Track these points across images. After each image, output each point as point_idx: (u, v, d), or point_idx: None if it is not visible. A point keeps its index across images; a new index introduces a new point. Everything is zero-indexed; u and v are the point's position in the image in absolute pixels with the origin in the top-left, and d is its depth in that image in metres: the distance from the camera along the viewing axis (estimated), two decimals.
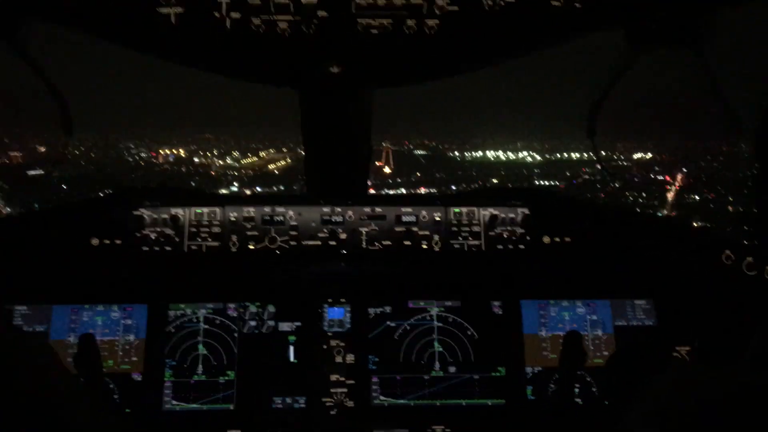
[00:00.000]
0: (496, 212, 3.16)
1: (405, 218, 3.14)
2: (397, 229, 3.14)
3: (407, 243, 3.12)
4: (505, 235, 3.14)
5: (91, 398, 1.72)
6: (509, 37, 2.54)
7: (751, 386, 1.11)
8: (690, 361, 2.94)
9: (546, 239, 3.12)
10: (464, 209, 3.17)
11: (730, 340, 2.78)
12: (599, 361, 3.09)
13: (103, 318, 3.11)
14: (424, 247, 3.12)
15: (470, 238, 3.14)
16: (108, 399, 2.96)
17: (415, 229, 3.13)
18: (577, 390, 3.05)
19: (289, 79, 2.97)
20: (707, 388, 1.18)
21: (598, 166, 2.88)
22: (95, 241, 3.04)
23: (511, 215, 3.16)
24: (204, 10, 2.34)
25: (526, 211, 3.15)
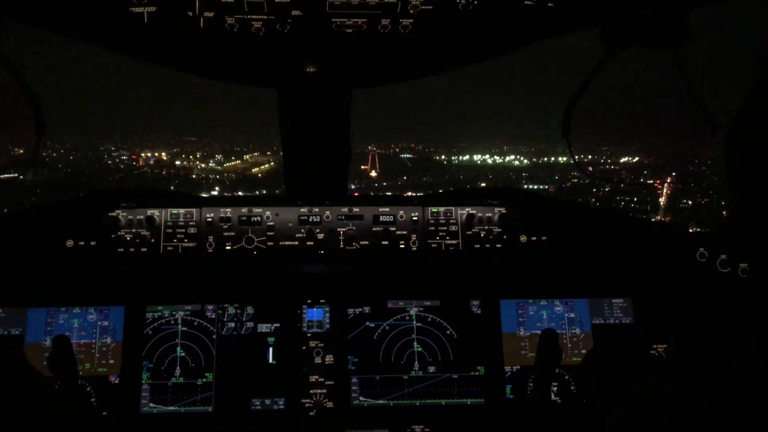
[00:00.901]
0: (473, 211, 3.21)
1: (382, 218, 3.18)
2: (375, 228, 3.17)
3: (385, 243, 3.15)
4: (482, 234, 3.19)
5: (65, 398, 1.74)
6: (484, 36, 2.59)
7: (736, 383, 1.14)
8: (669, 358, 3.01)
9: (522, 238, 3.17)
10: (441, 209, 3.22)
11: (705, 336, 2.86)
12: (577, 359, 3.15)
13: (80, 320, 3.13)
14: (402, 246, 3.16)
15: (448, 238, 3.19)
16: (84, 402, 2.98)
17: (392, 228, 3.17)
18: (555, 388, 3.11)
19: (266, 78, 3.00)
20: (691, 384, 1.20)
21: (573, 161, 2.93)
22: (70, 243, 3.04)
23: (488, 214, 3.21)
24: (177, 9, 2.34)
25: (503, 210, 3.21)
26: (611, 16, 2.57)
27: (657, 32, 2.54)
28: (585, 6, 2.47)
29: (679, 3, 2.50)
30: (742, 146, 1.33)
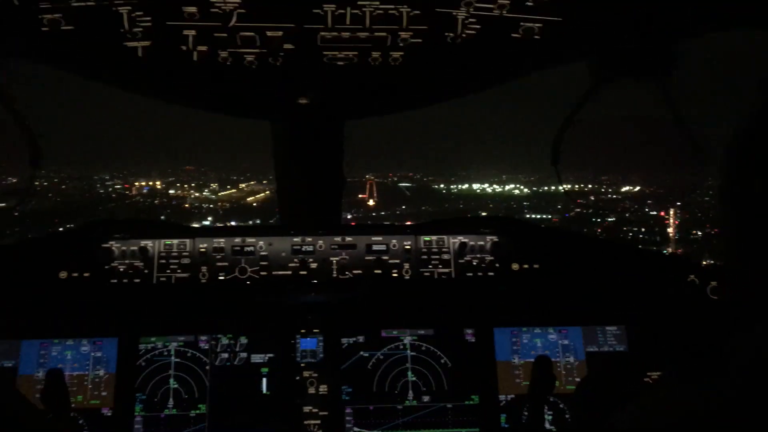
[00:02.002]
0: (465, 240, 3.28)
1: (375, 247, 3.25)
2: (368, 258, 3.24)
3: (378, 272, 3.22)
4: (474, 263, 3.26)
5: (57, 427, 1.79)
6: (472, 69, 2.69)
7: (727, 403, 1.18)
8: (664, 381, 3.05)
9: (515, 266, 3.25)
10: (434, 237, 3.29)
11: (698, 363, 2.92)
12: (571, 387, 3.19)
13: (73, 352, 3.16)
14: (395, 275, 3.23)
15: (440, 266, 3.26)
16: None
17: (385, 257, 3.24)
18: (549, 417, 3.15)
19: (259, 111, 3.10)
20: (683, 406, 1.25)
21: (564, 191, 3.01)
22: (63, 274, 3.10)
23: (480, 243, 3.28)
24: (171, 44, 2.43)
25: (495, 238, 3.29)
26: (597, 49, 2.67)
27: (643, 64, 2.64)
28: (571, 40, 2.57)
29: (664, 36, 2.60)
30: (740, 175, 1.38)
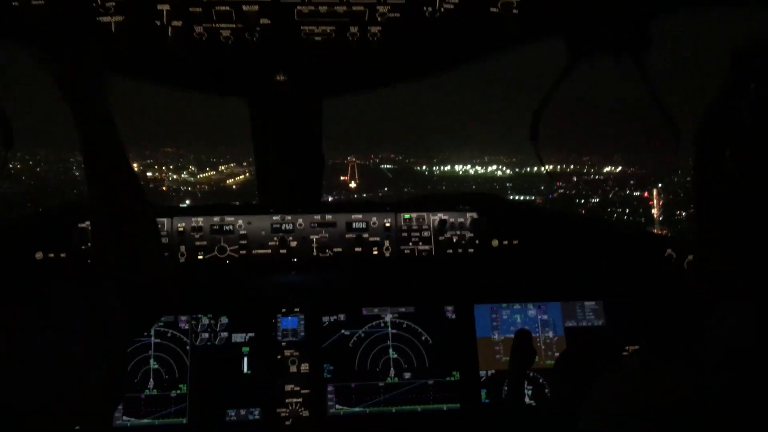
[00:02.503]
0: (445, 217, 3.31)
1: (355, 225, 3.28)
2: (348, 236, 3.26)
3: (358, 249, 3.25)
4: (454, 240, 3.30)
5: None
6: (451, 43, 2.70)
7: (707, 388, 1.17)
8: (638, 360, 3.11)
9: (494, 243, 3.29)
10: (414, 215, 3.32)
11: (676, 337, 2.98)
12: (551, 362, 3.25)
13: None
14: (375, 253, 3.26)
15: (420, 243, 3.29)
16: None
17: (365, 235, 3.27)
18: (529, 392, 3.21)
19: (236, 87, 3.08)
20: (660, 388, 1.24)
21: (544, 170, 3.05)
22: (39, 255, 3.09)
23: (460, 219, 3.32)
24: (145, 19, 2.40)
25: (474, 215, 3.32)
26: (574, 24, 2.69)
27: (619, 40, 2.66)
28: (549, 15, 2.58)
29: (640, 12, 2.63)
30: (709, 148, 1.41)
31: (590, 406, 1.39)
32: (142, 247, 1.84)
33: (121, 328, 1.65)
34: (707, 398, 1.16)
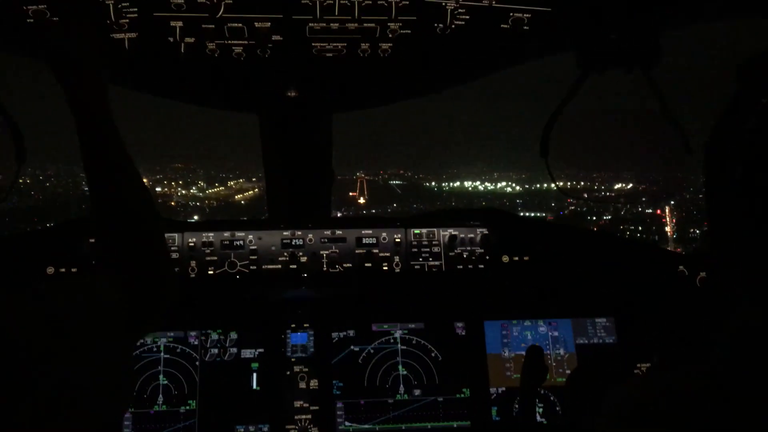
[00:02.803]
0: (455, 233, 3.32)
1: (365, 240, 3.29)
2: (358, 251, 3.27)
3: (368, 265, 3.25)
4: (464, 255, 3.30)
5: None
6: (461, 59, 2.72)
7: (715, 382, 1.19)
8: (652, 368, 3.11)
9: (505, 259, 3.30)
10: (424, 230, 3.33)
11: (687, 353, 2.97)
12: (562, 380, 3.24)
13: None
14: (385, 268, 3.26)
15: (430, 259, 3.30)
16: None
17: (375, 251, 3.27)
18: (540, 409, 3.19)
19: (247, 103, 3.11)
20: (670, 387, 1.26)
21: (555, 187, 3.05)
22: (50, 270, 3.12)
23: (470, 235, 3.32)
24: (158, 36, 2.44)
25: (485, 231, 3.33)
26: (584, 39, 2.71)
27: (629, 54, 2.67)
28: (559, 30, 2.61)
29: (650, 26, 2.65)
30: (719, 161, 1.42)
31: (604, 413, 1.41)
32: (145, 243, 1.85)
33: (120, 322, 1.64)
34: (719, 400, 1.17)
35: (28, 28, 2.37)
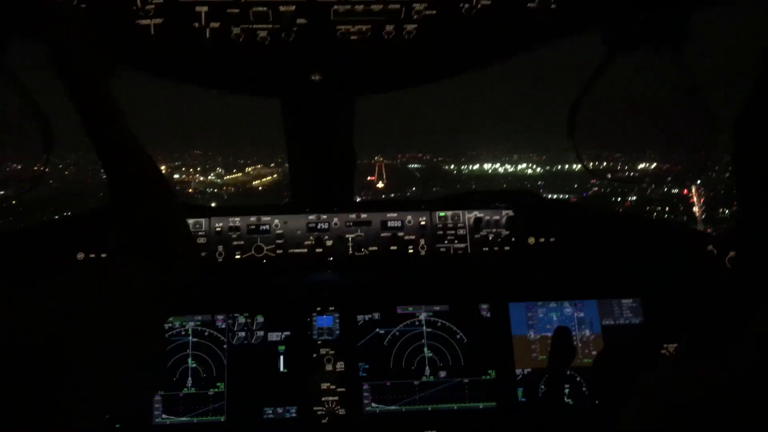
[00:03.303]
0: (480, 215, 3.35)
1: (390, 223, 3.32)
2: (383, 234, 3.31)
3: (393, 248, 3.29)
4: (490, 237, 3.33)
5: None
6: (487, 40, 2.73)
7: (745, 376, 1.16)
8: (679, 356, 3.11)
9: (531, 240, 3.32)
10: (449, 213, 3.36)
11: (717, 335, 2.98)
12: (588, 361, 3.27)
13: None
14: (410, 251, 3.30)
15: (456, 242, 3.33)
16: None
17: (400, 234, 3.31)
18: (567, 390, 3.23)
19: (271, 87, 3.14)
20: (701, 381, 1.23)
21: (582, 165, 3.05)
22: (81, 255, 3.20)
23: (496, 217, 3.35)
24: (183, 21, 2.45)
25: (510, 213, 3.35)
26: (613, 18, 2.70)
27: (658, 33, 2.66)
28: (587, 8, 2.60)
29: (680, 4, 2.63)
30: (747, 142, 1.43)
31: (631, 404, 1.41)
32: (162, 227, 1.90)
33: (148, 305, 1.69)
34: (747, 392, 1.15)
35: (32, 9, 2.41)
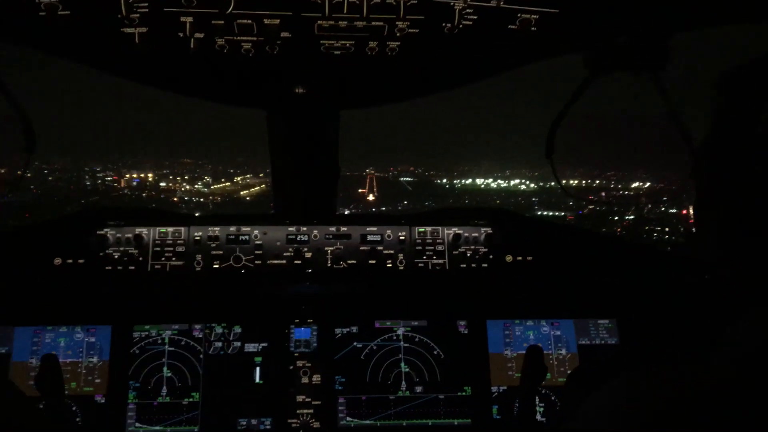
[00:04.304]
0: (459, 231, 3.42)
1: (370, 237, 3.39)
2: (362, 248, 3.38)
3: (372, 262, 3.36)
4: (468, 254, 3.41)
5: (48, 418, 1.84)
6: (469, 59, 2.81)
7: (720, 383, 1.22)
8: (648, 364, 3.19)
9: (508, 258, 3.40)
10: (428, 228, 3.43)
11: (689, 358, 3.06)
12: (563, 380, 3.35)
13: (66, 339, 3.31)
14: (389, 266, 3.37)
15: (434, 257, 3.40)
16: (70, 422, 3.15)
17: (380, 248, 3.38)
18: (540, 409, 3.30)
19: (254, 99, 3.21)
20: (673, 385, 1.28)
21: (559, 188, 3.14)
22: (58, 261, 3.24)
23: (475, 234, 3.43)
24: (168, 31, 2.52)
25: (489, 230, 3.43)
26: (593, 41, 2.80)
27: (637, 58, 2.75)
28: (567, 32, 2.68)
29: (658, 29, 2.73)
30: (708, 171, 1.52)
31: (594, 403, 1.46)
32: None
33: None
34: (720, 398, 1.20)
35: (39, 21, 2.45)
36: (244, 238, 3.36)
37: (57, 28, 2.51)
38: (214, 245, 3.34)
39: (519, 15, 2.53)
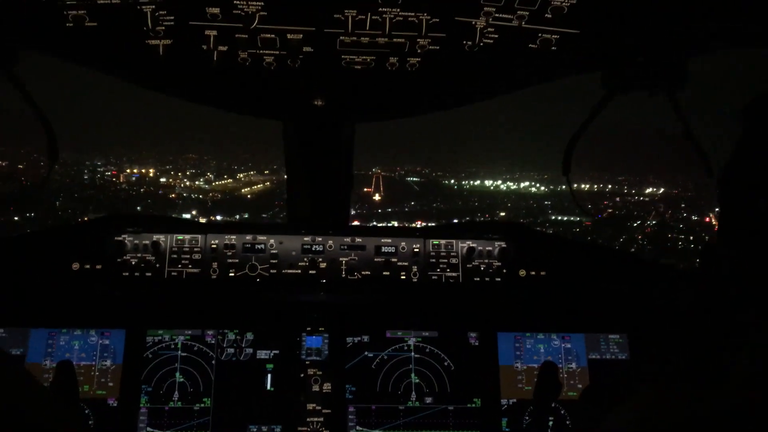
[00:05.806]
0: (473, 245, 3.53)
1: (384, 249, 3.50)
2: (377, 259, 3.49)
3: (386, 273, 3.47)
4: (482, 268, 3.52)
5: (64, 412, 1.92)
6: (488, 77, 2.92)
7: (729, 407, 1.27)
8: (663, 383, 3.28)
9: (522, 272, 3.51)
10: (442, 241, 3.54)
11: (699, 368, 3.15)
12: (573, 394, 3.45)
13: (81, 342, 3.42)
14: (403, 277, 3.48)
15: (448, 270, 3.51)
16: (83, 425, 3.26)
17: (394, 259, 3.49)
18: (551, 423, 3.40)
19: (274, 111, 3.33)
20: (683, 408, 1.34)
21: (578, 210, 3.25)
22: (76, 266, 3.36)
23: (488, 248, 3.54)
24: (192, 43, 2.65)
25: (503, 244, 3.54)
26: (611, 61, 2.90)
27: (655, 77, 2.85)
28: (586, 51, 2.79)
29: (677, 50, 2.83)
30: (732, 196, 1.62)
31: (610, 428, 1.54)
32: None
33: None
34: (731, 415, 1.27)
35: (66, 32, 2.59)
36: (259, 246, 3.46)
37: (84, 39, 2.64)
38: (230, 253, 3.45)
39: (540, 35, 2.64)
